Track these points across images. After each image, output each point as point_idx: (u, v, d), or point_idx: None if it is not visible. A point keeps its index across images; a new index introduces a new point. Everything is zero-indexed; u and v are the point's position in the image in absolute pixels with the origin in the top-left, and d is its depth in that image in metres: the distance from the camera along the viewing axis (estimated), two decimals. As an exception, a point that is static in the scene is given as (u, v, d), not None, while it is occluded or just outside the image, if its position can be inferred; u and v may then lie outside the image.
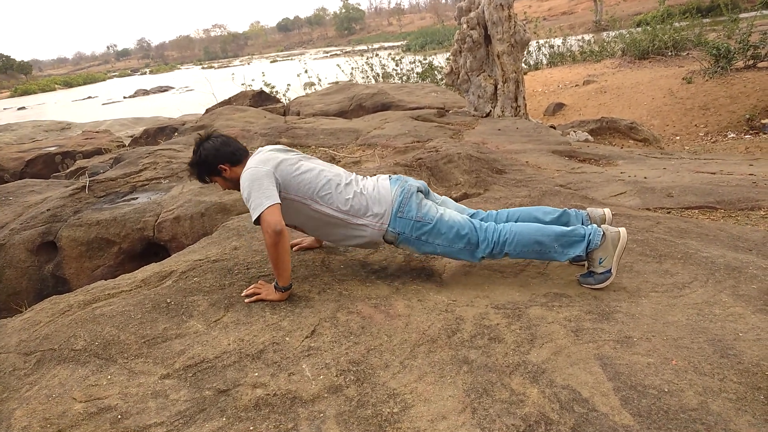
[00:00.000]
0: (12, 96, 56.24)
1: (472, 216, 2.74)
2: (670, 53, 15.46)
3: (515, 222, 2.64)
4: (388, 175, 2.68)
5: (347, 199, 2.50)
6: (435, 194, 2.81)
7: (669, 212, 3.71)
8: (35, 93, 57.78)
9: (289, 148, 2.71)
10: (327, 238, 2.74)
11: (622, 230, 2.43)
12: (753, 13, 15.49)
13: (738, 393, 1.69)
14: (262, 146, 2.70)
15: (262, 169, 2.41)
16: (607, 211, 2.71)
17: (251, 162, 2.49)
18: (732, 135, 9.75)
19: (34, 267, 4.39)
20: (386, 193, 2.54)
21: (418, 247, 2.55)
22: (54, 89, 61.56)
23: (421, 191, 2.64)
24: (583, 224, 2.63)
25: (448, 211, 2.59)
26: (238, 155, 2.57)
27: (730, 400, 1.66)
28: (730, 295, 2.31)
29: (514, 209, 2.77)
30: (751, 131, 9.73)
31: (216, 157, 2.54)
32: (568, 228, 2.48)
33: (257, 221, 2.29)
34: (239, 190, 2.47)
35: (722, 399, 1.66)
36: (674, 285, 2.44)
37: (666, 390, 1.71)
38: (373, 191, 2.55)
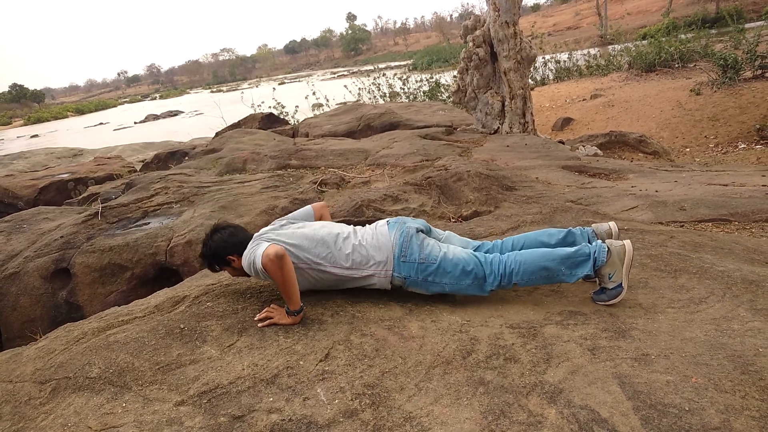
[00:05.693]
0: (26, 124, 57.28)
1: (477, 248, 2.75)
2: (677, 65, 15.46)
3: (521, 249, 2.65)
4: (386, 220, 2.71)
5: (347, 254, 2.54)
6: (437, 230, 2.83)
7: (682, 226, 3.67)
8: (48, 121, 58.81)
9: (283, 221, 2.79)
10: (341, 289, 2.74)
11: (627, 243, 2.42)
12: (759, 23, 15.51)
13: (761, 410, 1.65)
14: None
15: (261, 242, 2.51)
16: (612, 224, 2.70)
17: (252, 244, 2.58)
18: (743, 146, 9.70)
19: (47, 294, 4.42)
20: (385, 239, 2.56)
21: (426, 288, 2.56)
22: (66, 116, 62.59)
23: (421, 231, 2.65)
24: (589, 241, 2.62)
25: (451, 248, 2.60)
26: (245, 245, 2.60)
27: (753, 418, 1.62)
28: (748, 309, 2.27)
29: (518, 236, 2.77)
30: (762, 141, 9.67)
31: (225, 249, 2.61)
32: (572, 249, 2.47)
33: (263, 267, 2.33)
34: (247, 277, 2.74)
35: (745, 417, 1.63)
36: (690, 300, 2.41)
37: (687, 408, 1.68)
38: (372, 239, 2.58)
